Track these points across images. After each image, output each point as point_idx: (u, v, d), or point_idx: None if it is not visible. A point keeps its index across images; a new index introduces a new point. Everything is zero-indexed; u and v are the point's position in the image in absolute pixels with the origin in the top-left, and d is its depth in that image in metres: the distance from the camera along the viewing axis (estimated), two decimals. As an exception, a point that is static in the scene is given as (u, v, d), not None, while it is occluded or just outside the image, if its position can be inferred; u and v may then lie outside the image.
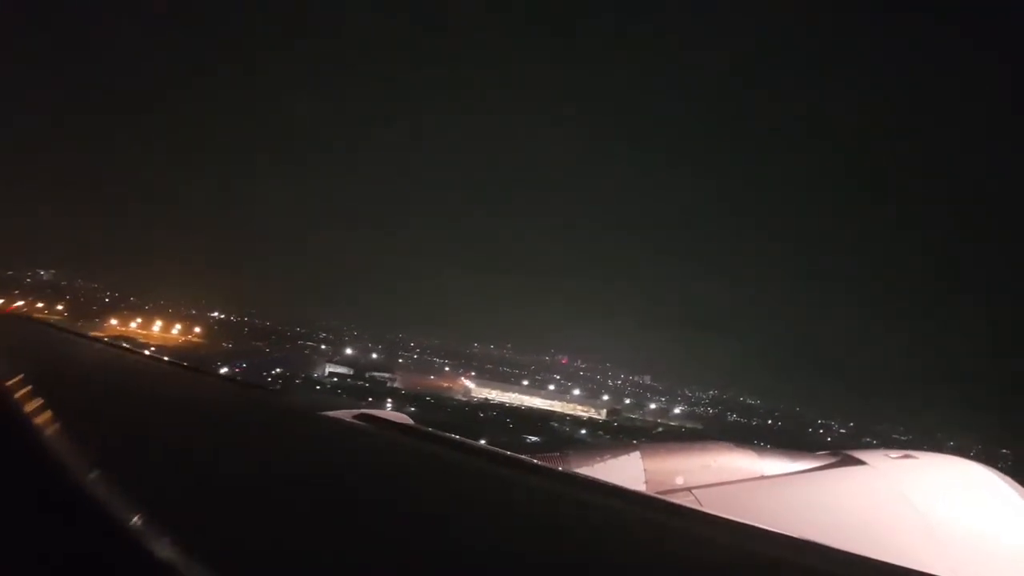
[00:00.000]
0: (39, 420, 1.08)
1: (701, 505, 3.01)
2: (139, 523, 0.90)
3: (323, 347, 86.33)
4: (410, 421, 2.80)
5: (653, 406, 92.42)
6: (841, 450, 3.54)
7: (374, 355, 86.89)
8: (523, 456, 2.68)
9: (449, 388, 74.93)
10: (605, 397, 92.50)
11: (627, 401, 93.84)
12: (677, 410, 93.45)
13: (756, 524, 1.78)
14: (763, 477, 3.28)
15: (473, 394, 74.64)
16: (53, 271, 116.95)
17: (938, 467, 3.36)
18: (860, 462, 3.30)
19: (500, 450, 2.59)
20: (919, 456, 3.39)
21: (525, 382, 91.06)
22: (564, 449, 3.46)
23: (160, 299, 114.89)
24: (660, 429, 75.21)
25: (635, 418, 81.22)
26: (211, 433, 2.14)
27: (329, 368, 69.16)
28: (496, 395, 76.32)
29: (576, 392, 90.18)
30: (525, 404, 75.21)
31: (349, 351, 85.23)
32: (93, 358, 3.40)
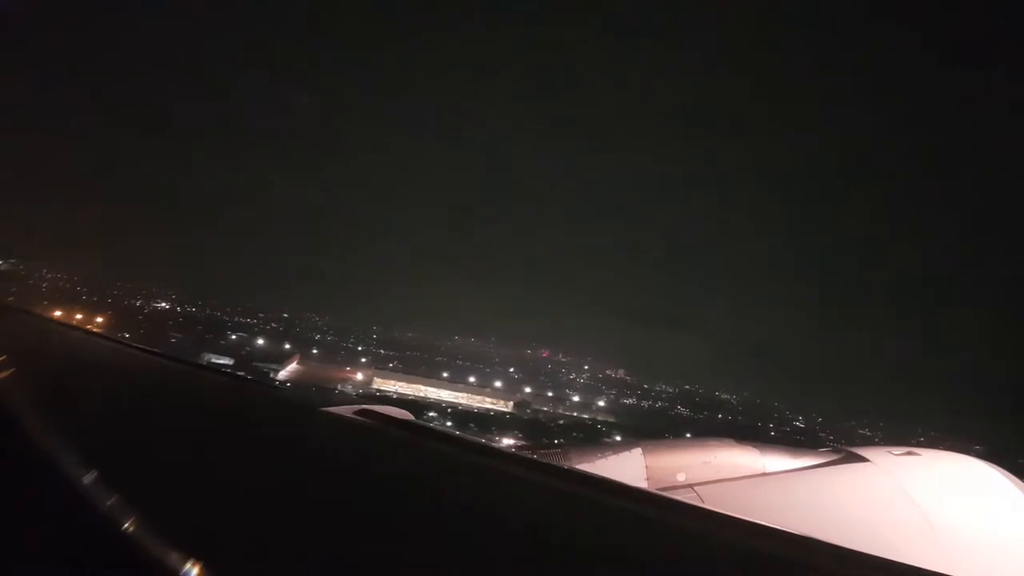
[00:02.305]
0: (28, 412, 1.04)
1: (703, 502, 3.00)
2: (136, 520, 0.89)
3: (234, 336, 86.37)
4: (411, 417, 2.82)
5: (576, 399, 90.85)
6: (844, 447, 3.51)
7: (287, 345, 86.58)
8: (524, 453, 2.76)
9: (345, 380, 74.33)
10: (528, 389, 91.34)
11: (550, 394, 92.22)
12: (601, 403, 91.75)
13: (759, 521, 1.79)
14: (765, 474, 3.26)
15: (373, 386, 74.03)
16: (13, 260, 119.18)
17: (941, 464, 3.32)
18: (863, 459, 3.27)
19: (501, 446, 2.70)
20: (922, 453, 3.35)
21: (445, 374, 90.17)
22: (566, 445, 3.46)
23: (117, 289, 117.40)
24: (561, 422, 74.07)
25: (544, 411, 79.93)
26: (211, 428, 2.11)
27: (211, 359, 69.18)
28: (399, 387, 75.60)
29: (497, 384, 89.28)
30: (422, 395, 74.44)
31: (261, 341, 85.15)
32: (91, 352, 3.36)
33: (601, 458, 3.24)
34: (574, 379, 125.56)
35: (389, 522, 1.41)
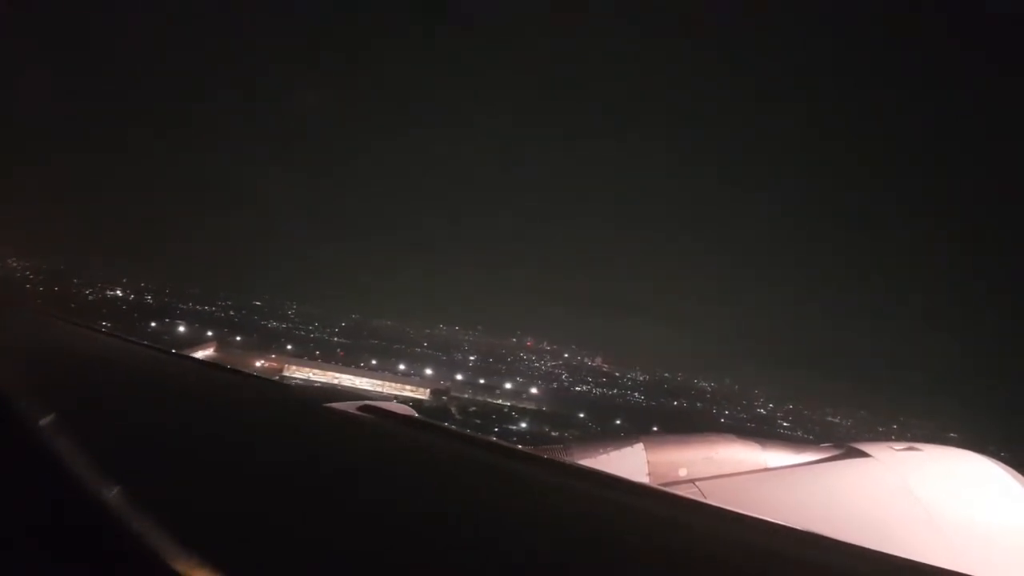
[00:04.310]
0: (30, 410, 1.02)
1: (705, 497, 3.00)
2: (138, 517, 0.88)
3: (154, 324, 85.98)
4: (414, 413, 2.86)
5: (509, 386, 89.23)
6: (845, 442, 3.51)
7: (209, 332, 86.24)
8: (526, 448, 2.78)
9: (250, 368, 73.48)
10: (459, 377, 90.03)
11: (481, 381, 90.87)
12: (534, 390, 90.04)
13: (760, 516, 1.82)
14: (766, 469, 3.26)
15: (284, 373, 73.14)
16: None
17: (942, 459, 3.33)
18: (864, 454, 3.27)
19: (503, 442, 2.72)
20: (923, 448, 3.35)
21: (374, 361, 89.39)
22: (567, 441, 3.38)
23: (78, 278, 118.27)
24: (471, 409, 72.76)
25: (464, 398, 78.73)
26: (214, 425, 2.12)
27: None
28: (312, 374, 74.71)
29: (428, 372, 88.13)
30: (336, 382, 73.32)
31: (182, 328, 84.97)
32: (93, 348, 3.37)
33: (603, 453, 3.22)
34: (539, 366, 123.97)
35: (393, 518, 1.40)
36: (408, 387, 77.33)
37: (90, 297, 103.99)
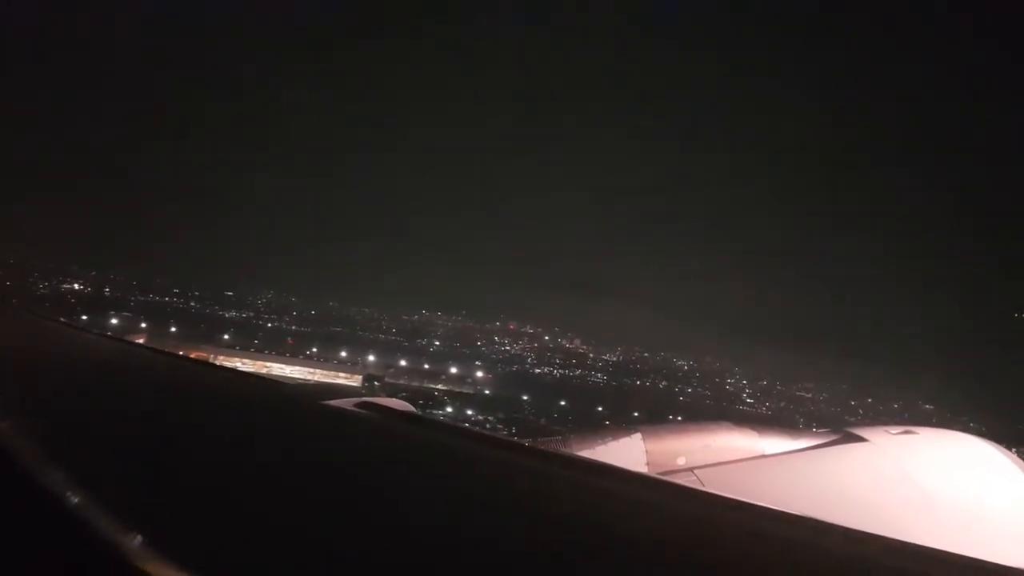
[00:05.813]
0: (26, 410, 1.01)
1: (703, 485, 3.02)
2: (136, 516, 0.88)
3: (85, 317, 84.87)
4: (412, 409, 2.83)
5: (455, 370, 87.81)
6: (842, 427, 3.53)
7: (143, 324, 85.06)
8: (524, 441, 2.80)
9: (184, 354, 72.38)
10: (403, 363, 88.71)
11: (427, 366, 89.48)
12: (480, 373, 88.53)
13: (759, 503, 1.84)
14: (764, 456, 3.28)
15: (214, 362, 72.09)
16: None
17: (938, 442, 3.32)
18: (861, 439, 3.29)
19: (501, 436, 2.74)
20: (919, 431, 3.36)
21: (315, 349, 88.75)
22: (566, 433, 3.47)
23: (37, 271, 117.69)
24: (402, 395, 71.22)
25: (400, 384, 77.23)
26: (211, 424, 2.13)
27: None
28: (240, 364, 73.30)
29: (371, 359, 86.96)
30: (266, 371, 72.21)
31: (115, 320, 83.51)
32: (89, 349, 3.37)
33: (601, 444, 3.21)
34: (507, 349, 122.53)
35: (391, 514, 1.41)
36: (343, 374, 75.91)
37: (42, 290, 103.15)
